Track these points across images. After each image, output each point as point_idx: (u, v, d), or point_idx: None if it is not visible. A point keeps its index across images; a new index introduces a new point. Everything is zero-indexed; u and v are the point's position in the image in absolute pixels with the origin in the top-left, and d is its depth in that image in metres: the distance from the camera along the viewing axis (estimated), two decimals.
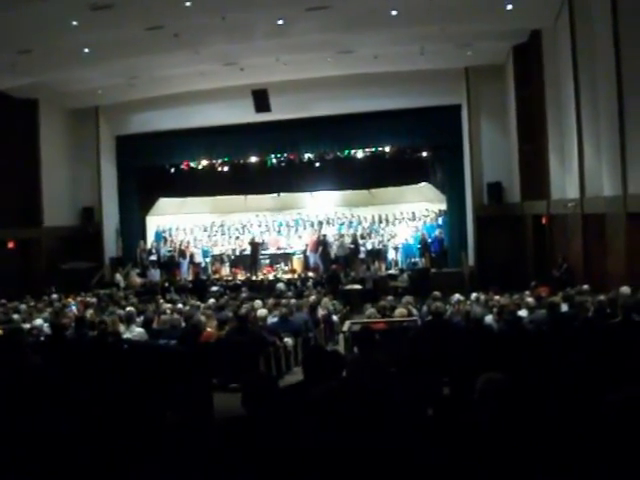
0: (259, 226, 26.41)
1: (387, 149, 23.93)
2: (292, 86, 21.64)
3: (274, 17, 16.19)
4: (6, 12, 14.39)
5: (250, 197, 26.96)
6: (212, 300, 14.97)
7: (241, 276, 23.57)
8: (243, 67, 19.97)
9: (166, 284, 22.16)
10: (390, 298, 14.07)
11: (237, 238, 25.66)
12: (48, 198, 21.96)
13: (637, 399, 3.28)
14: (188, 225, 26.99)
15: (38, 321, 11.33)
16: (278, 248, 24.99)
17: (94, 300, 16.00)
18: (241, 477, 3.51)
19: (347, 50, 19.14)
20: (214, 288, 20.96)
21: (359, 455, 3.35)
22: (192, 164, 25.15)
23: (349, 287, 20.12)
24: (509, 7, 15.86)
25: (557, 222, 17.80)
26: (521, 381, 4.67)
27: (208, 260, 24.89)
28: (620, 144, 12.98)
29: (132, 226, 25.03)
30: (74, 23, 15.25)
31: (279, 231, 26.12)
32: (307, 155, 24.59)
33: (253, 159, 24.80)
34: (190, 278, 23.65)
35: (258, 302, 13.56)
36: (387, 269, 23.35)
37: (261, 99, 22.10)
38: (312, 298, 14.82)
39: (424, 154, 24.05)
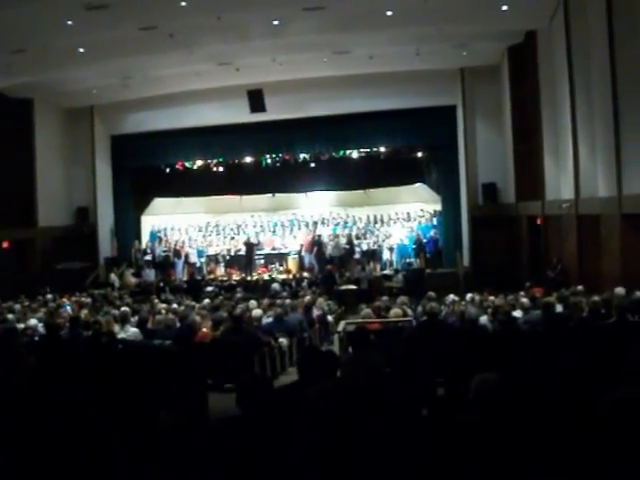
0: (254, 226, 26.38)
1: (382, 149, 23.98)
2: (287, 86, 21.64)
3: (269, 17, 16.20)
4: (1, 12, 14.36)
5: (245, 197, 26.96)
6: (207, 300, 14.96)
7: (236, 276, 23.54)
8: (238, 67, 19.95)
9: (161, 284, 22.12)
10: (385, 298, 14.10)
11: (232, 238, 25.63)
12: (43, 198, 21.93)
13: (632, 400, 3.28)
14: (183, 225, 26.95)
15: (32, 321, 11.32)
16: (273, 248, 24.97)
17: (89, 300, 15.98)
18: (236, 477, 3.51)
19: (343, 50, 19.13)
20: (209, 288, 20.95)
21: (354, 455, 3.34)
22: (187, 164, 25.15)
23: (344, 287, 20.13)
24: (504, 8, 15.88)
25: (552, 223, 17.83)
26: (516, 381, 4.67)
27: (203, 260, 24.84)
28: (615, 145, 13.01)
29: (127, 226, 25.00)
30: (69, 23, 15.22)
31: (274, 231, 26.10)
32: (302, 155, 24.60)
33: (248, 159, 24.78)
34: (185, 278, 23.61)
35: (253, 302, 13.56)
36: (382, 269, 23.33)
37: (256, 99, 22.08)
38: (307, 298, 14.83)
39: (419, 154, 24.11)
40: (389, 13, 15.94)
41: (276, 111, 22.25)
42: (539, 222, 18.60)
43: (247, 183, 25.24)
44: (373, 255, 23.85)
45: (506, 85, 20.01)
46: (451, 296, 13.52)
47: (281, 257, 24.44)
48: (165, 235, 26.19)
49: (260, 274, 23.48)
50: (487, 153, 21.13)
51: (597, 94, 14.01)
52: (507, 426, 3.60)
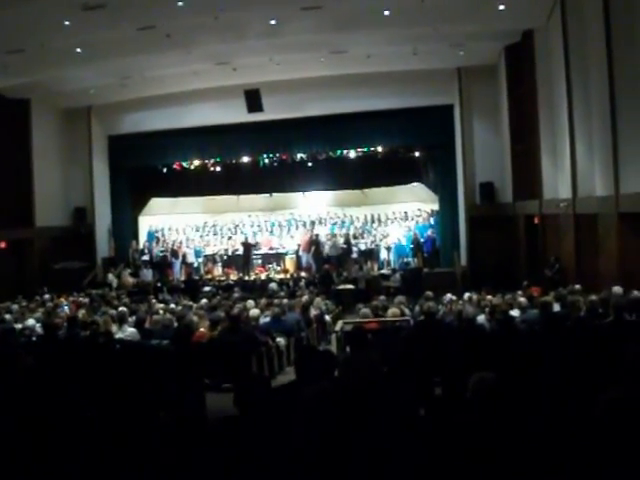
0: (251, 226, 26.34)
1: (379, 149, 23.94)
2: (285, 86, 21.63)
3: (267, 17, 16.18)
4: None
5: (242, 197, 26.95)
6: (204, 300, 14.97)
7: (233, 276, 23.53)
8: (236, 67, 19.94)
9: (158, 284, 22.14)
10: (382, 298, 14.10)
11: (229, 238, 25.59)
12: (40, 198, 21.85)
13: (629, 398, 3.29)
14: (180, 225, 26.89)
15: (30, 321, 11.32)
16: (270, 248, 24.94)
17: (86, 300, 15.98)
18: (234, 477, 3.51)
19: (340, 50, 19.12)
20: (206, 288, 20.95)
21: (351, 455, 3.35)
22: (184, 164, 25.12)
23: (341, 287, 20.12)
24: (501, 7, 15.87)
25: (549, 222, 17.83)
26: (513, 381, 4.68)
27: (200, 260, 24.82)
28: (612, 144, 13.01)
29: (124, 226, 24.95)
30: (66, 23, 15.20)
31: (271, 231, 26.06)
32: (299, 155, 24.57)
33: (245, 159, 24.75)
34: (182, 278, 23.59)
35: (250, 302, 13.55)
36: (379, 269, 23.34)
37: (253, 99, 22.07)
38: (304, 298, 14.83)
39: (416, 154, 24.07)
40: (386, 13, 15.94)
41: (273, 111, 22.24)
42: (536, 221, 18.59)
43: (244, 183, 25.23)
44: (370, 255, 23.86)
45: (503, 85, 20.00)
46: (448, 295, 13.54)
47: (278, 257, 24.42)
48: (162, 235, 26.17)
49: (257, 274, 23.47)
50: (484, 152, 21.12)
51: (594, 93, 14.01)
52: (504, 425, 3.61)
